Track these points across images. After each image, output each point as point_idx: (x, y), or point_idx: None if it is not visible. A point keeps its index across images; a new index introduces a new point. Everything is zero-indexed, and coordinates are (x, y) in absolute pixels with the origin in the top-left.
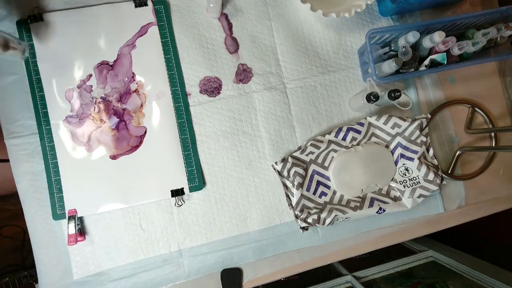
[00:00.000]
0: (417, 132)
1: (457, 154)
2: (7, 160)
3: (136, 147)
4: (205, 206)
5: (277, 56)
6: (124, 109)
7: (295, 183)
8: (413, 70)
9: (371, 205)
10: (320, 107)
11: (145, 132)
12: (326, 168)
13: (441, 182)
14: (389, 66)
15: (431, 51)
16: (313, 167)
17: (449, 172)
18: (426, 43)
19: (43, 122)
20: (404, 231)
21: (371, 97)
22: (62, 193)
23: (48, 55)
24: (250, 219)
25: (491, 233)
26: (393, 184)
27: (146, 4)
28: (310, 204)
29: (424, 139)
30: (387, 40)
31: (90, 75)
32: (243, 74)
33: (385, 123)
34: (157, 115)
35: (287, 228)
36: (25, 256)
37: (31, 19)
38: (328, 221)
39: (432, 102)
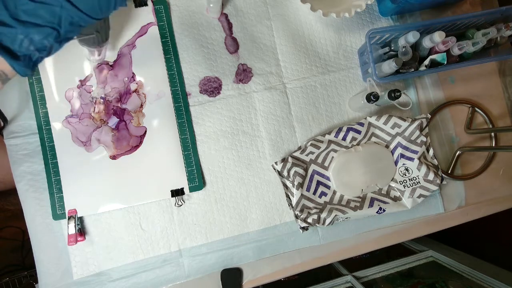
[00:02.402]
0: (417, 132)
1: (457, 154)
2: None
3: (136, 147)
4: (205, 206)
5: (277, 56)
6: (124, 109)
7: (295, 183)
8: (413, 70)
9: (371, 205)
10: (320, 107)
11: (145, 132)
12: (326, 168)
13: (441, 182)
14: (389, 66)
15: (431, 51)
16: (313, 167)
17: (449, 172)
18: (426, 43)
19: (43, 122)
20: (404, 231)
21: (371, 97)
22: (62, 193)
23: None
24: (250, 219)
25: (491, 233)
26: (393, 184)
27: (146, 4)
28: (310, 204)
29: (424, 139)
30: (387, 40)
31: (90, 75)
32: (243, 74)
33: (385, 123)
34: (157, 115)
35: (287, 228)
36: (25, 256)
37: None
38: (328, 221)
39: (432, 102)
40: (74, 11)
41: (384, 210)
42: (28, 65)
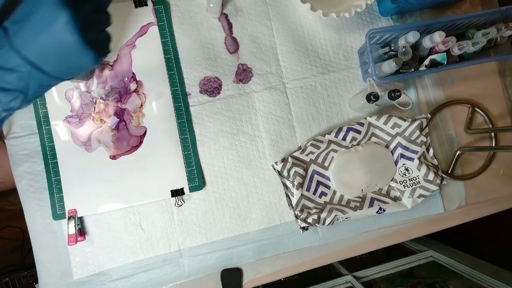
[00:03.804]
0: (417, 132)
1: (457, 154)
2: None
3: (136, 147)
4: (205, 206)
5: (277, 56)
6: (124, 109)
7: (295, 183)
8: (413, 70)
9: (371, 205)
10: (320, 107)
11: (145, 132)
12: (326, 168)
13: (441, 182)
14: (389, 66)
15: (431, 51)
16: (313, 167)
17: (449, 172)
18: (426, 43)
19: (43, 122)
20: (404, 231)
21: (371, 97)
22: (62, 193)
23: None
24: (250, 219)
25: (491, 233)
26: (393, 184)
27: (146, 4)
28: (310, 204)
29: (424, 139)
30: (387, 40)
31: None
32: (243, 74)
33: (385, 123)
34: (157, 115)
35: (287, 228)
36: (25, 256)
37: None
38: (328, 221)
39: (432, 102)
40: (42, 76)
41: (384, 210)
42: None
